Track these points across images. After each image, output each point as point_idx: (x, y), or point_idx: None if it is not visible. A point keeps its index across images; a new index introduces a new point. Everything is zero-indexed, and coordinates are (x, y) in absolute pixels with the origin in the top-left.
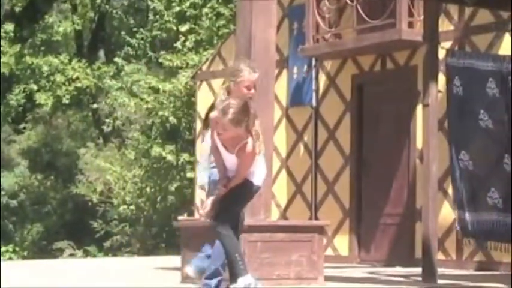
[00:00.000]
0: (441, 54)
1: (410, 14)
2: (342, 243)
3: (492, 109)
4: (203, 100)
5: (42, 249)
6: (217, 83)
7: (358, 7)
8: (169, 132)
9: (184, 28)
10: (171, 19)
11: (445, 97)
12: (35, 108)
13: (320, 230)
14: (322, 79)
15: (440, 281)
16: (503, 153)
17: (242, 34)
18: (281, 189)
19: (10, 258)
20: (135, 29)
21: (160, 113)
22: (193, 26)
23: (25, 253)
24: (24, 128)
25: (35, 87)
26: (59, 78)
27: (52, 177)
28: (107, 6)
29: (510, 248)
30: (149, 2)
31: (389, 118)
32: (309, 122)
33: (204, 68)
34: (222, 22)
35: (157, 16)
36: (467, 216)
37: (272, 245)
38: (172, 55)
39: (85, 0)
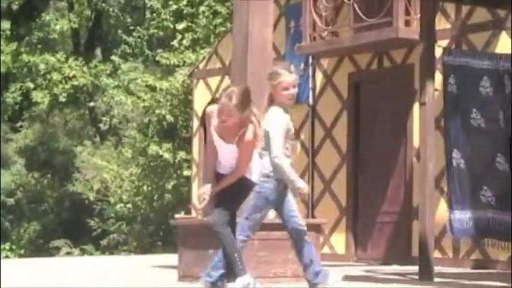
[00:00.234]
0: (438, 52)
1: (407, 13)
2: (339, 241)
3: (484, 108)
4: (200, 98)
5: (39, 248)
6: (214, 81)
7: (355, 5)
8: (166, 130)
9: (181, 26)
10: (168, 17)
11: (442, 95)
12: (31, 107)
13: (317, 228)
14: (319, 77)
15: (436, 279)
16: (495, 152)
17: (239, 32)
18: None
19: (7, 257)
20: (132, 27)
21: (157, 111)
22: (190, 24)
23: (22, 251)
24: (21, 126)
25: (31, 85)
26: (55, 76)
27: (49, 176)
28: (104, 4)
29: (509, 245)
30: (146, 0)
31: (386, 116)
32: (305, 120)
33: (201, 66)
34: (218, 20)
35: (154, 14)
36: (460, 215)
37: (269, 243)
38: (169, 53)
39: None
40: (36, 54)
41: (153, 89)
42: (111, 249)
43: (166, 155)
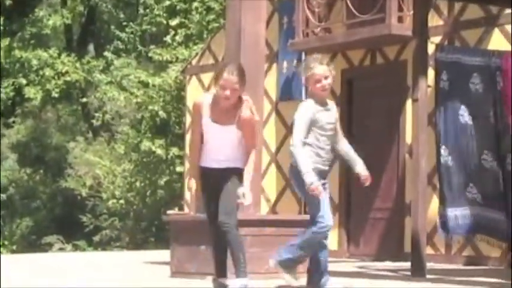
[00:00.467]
0: (431, 49)
1: (400, 9)
2: (331, 237)
3: (473, 105)
4: (193, 94)
5: (32, 244)
6: (206, 77)
7: (348, 1)
8: (158, 126)
9: (174, 22)
10: (161, 13)
11: (434, 92)
12: (24, 102)
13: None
14: None
15: (429, 276)
16: (482, 149)
17: (232, 28)
18: (270, 184)
19: None
20: (125, 23)
21: (150, 107)
22: (183, 20)
23: (14, 247)
24: (14, 122)
25: (24, 81)
26: (48, 72)
27: (41, 172)
28: (97, 0)
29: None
30: None
31: (379, 113)
32: None
33: (194, 62)
34: (212, 16)
35: (147, 10)
36: (451, 212)
37: (261, 240)
38: (162, 49)
39: None
40: (28, 50)
41: (145, 85)
42: (104, 245)
43: (159, 151)
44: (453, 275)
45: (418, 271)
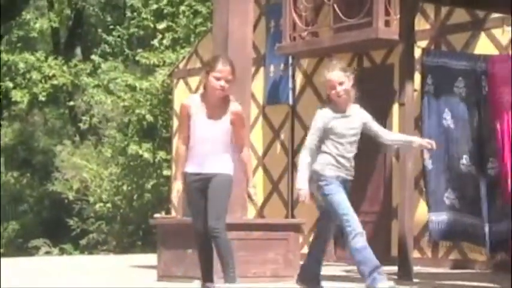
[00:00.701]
0: (417, 53)
1: (387, 13)
2: None
3: (456, 109)
4: (180, 98)
5: (18, 247)
6: (194, 81)
7: (335, 6)
8: (146, 130)
9: (161, 26)
10: (148, 17)
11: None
12: (11, 106)
13: (296, 228)
14: (299, 77)
15: (416, 279)
16: (461, 154)
17: (219, 32)
18: (257, 188)
19: None
20: (112, 27)
21: (137, 110)
22: (170, 23)
23: (1, 251)
24: (0, 125)
25: (11, 84)
26: (35, 75)
27: (28, 175)
28: (84, 4)
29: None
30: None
31: None
32: (285, 120)
33: (181, 66)
34: (199, 20)
35: (135, 13)
36: (435, 217)
37: (248, 243)
38: (149, 53)
39: None
40: (15, 53)
41: (133, 88)
42: (91, 248)
43: (146, 155)
44: (440, 279)
45: (405, 275)
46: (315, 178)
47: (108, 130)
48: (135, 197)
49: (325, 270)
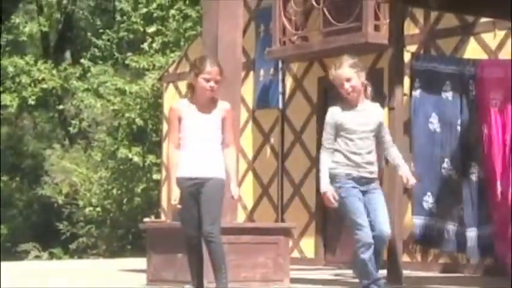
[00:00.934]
0: (407, 57)
1: (377, 18)
2: (308, 245)
3: (443, 113)
4: (170, 102)
5: (8, 251)
6: (184, 85)
7: (325, 10)
8: (135, 133)
9: (151, 30)
10: (138, 20)
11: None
12: (0, 110)
13: (286, 232)
14: (289, 81)
15: (405, 284)
16: (443, 157)
17: (208, 36)
18: (247, 192)
19: None
20: (101, 30)
21: (127, 114)
22: (160, 27)
23: None
24: None
25: (0, 88)
26: (24, 79)
27: (18, 179)
28: (74, 7)
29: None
30: (116, 3)
31: None
32: (275, 125)
33: (171, 69)
34: (189, 24)
35: (124, 17)
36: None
37: (238, 247)
38: (139, 56)
39: (51, 1)
40: (4, 57)
41: (122, 92)
42: (80, 252)
43: (136, 159)
44: (429, 283)
45: (394, 279)
46: (331, 178)
47: (98, 134)
48: (124, 201)
49: (314, 275)
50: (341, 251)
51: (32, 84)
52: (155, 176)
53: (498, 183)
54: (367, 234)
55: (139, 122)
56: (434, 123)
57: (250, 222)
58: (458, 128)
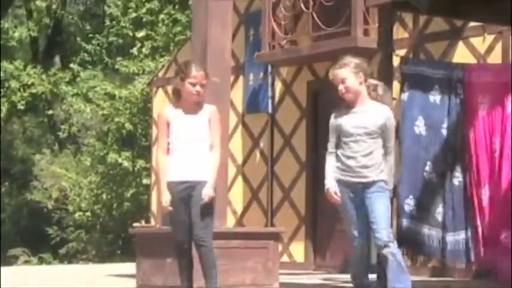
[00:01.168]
0: (396, 61)
1: (366, 22)
2: (298, 249)
3: (429, 117)
4: (159, 106)
5: None
6: None
7: (314, 14)
8: (125, 138)
9: (140, 34)
10: (127, 25)
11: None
12: None
13: (275, 237)
14: (278, 86)
15: None
16: (426, 161)
17: (198, 40)
18: (237, 196)
19: None
20: (91, 35)
21: (116, 119)
22: (149, 32)
23: None
24: None
25: None
26: (14, 84)
27: (7, 184)
28: (63, 12)
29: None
30: (105, 8)
31: None
32: (265, 129)
33: (160, 74)
34: (178, 28)
35: (114, 22)
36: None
37: (228, 252)
38: (128, 61)
39: (41, 6)
40: None
41: (112, 97)
42: (70, 257)
43: (126, 163)
44: (419, 287)
45: (384, 283)
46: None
47: (88, 139)
48: (114, 205)
49: (304, 279)
50: (331, 255)
51: (22, 89)
52: (145, 181)
53: (486, 187)
54: (358, 244)
55: (128, 126)
56: (420, 127)
57: (240, 226)
58: (444, 131)
